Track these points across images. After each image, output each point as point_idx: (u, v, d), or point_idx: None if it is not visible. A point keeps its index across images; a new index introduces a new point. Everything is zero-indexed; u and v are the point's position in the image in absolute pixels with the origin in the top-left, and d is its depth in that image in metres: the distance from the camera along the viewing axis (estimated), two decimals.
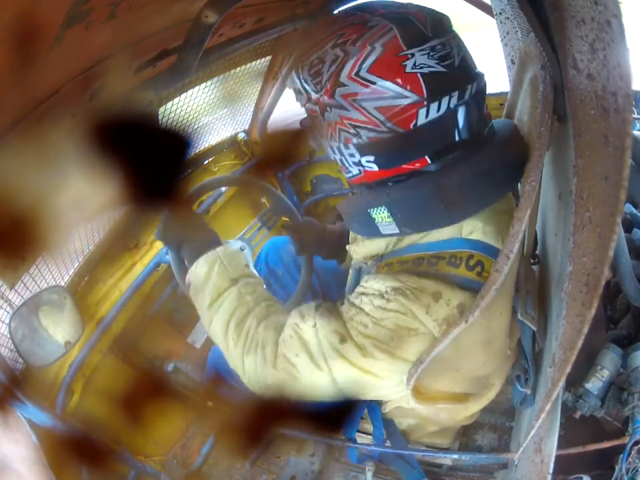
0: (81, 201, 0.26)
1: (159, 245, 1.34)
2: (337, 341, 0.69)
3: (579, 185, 0.60)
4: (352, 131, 0.68)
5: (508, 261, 0.62)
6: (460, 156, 0.67)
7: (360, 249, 0.82)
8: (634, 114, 1.20)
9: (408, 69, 0.63)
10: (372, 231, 0.75)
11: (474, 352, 0.71)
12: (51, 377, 1.06)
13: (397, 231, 0.71)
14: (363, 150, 0.69)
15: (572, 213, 0.61)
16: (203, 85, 1.24)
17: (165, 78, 0.76)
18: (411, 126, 0.65)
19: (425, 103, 0.63)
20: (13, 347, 0.86)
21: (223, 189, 1.51)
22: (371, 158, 0.69)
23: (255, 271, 0.91)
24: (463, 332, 0.64)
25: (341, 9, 1.12)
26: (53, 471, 0.67)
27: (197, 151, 1.51)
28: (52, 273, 1.06)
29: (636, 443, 0.71)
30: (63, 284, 1.11)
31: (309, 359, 0.70)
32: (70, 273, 1.17)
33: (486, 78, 0.70)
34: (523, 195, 0.63)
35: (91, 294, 1.20)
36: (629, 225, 0.97)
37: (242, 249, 1.11)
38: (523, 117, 0.82)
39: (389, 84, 0.64)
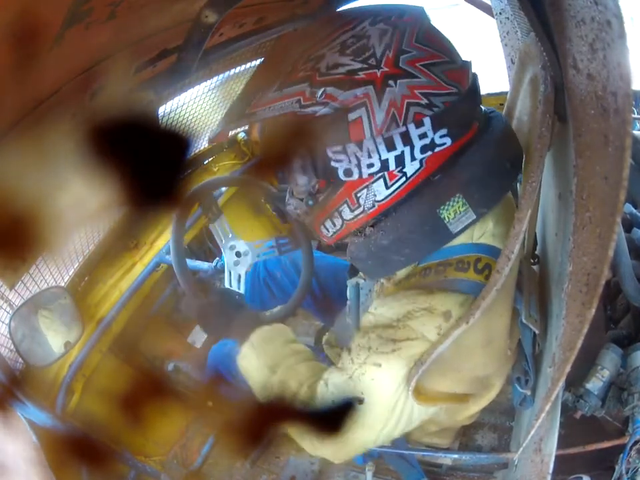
0: (81, 201, 0.26)
1: (159, 244, 1.34)
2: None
3: (579, 185, 0.60)
4: (424, 101, 0.63)
5: (509, 262, 0.62)
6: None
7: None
8: (634, 114, 1.20)
9: (444, 42, 0.69)
10: (440, 239, 0.68)
11: (474, 353, 0.71)
12: (50, 377, 1.06)
13: (474, 216, 0.66)
14: (438, 122, 0.63)
15: (572, 213, 0.61)
16: (203, 85, 1.24)
17: (164, 78, 0.76)
18: (467, 85, 0.67)
19: (468, 66, 0.69)
20: (13, 347, 0.86)
21: (223, 188, 1.51)
22: (445, 130, 0.64)
23: (295, 344, 0.85)
24: (464, 333, 0.63)
25: (340, 9, 1.12)
26: (53, 471, 0.67)
27: (197, 151, 1.51)
28: (52, 273, 1.07)
29: (636, 443, 0.71)
30: (62, 284, 1.11)
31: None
32: (70, 273, 1.17)
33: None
34: (523, 195, 0.63)
35: (90, 294, 1.20)
36: (629, 225, 0.97)
37: (245, 254, 1.12)
38: (523, 117, 0.82)
39: (443, 49, 0.67)
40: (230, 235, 1.14)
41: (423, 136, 0.63)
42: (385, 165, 0.64)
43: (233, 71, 1.29)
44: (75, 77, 0.57)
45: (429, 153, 0.64)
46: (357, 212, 0.69)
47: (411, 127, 0.62)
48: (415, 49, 0.65)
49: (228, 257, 1.13)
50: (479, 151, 0.66)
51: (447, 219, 0.66)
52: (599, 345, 0.81)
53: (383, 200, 0.67)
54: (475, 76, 0.71)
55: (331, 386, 0.72)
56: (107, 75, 0.59)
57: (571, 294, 0.58)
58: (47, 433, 0.75)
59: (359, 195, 0.67)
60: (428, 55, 0.65)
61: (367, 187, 0.66)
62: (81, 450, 0.43)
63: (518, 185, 0.90)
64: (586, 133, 0.57)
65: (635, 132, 1.08)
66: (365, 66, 0.62)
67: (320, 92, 0.63)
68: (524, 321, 0.71)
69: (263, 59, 0.85)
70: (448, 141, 0.64)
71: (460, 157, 0.66)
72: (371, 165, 0.64)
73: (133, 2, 0.52)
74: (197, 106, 1.35)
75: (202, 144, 1.53)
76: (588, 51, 0.51)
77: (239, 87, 1.39)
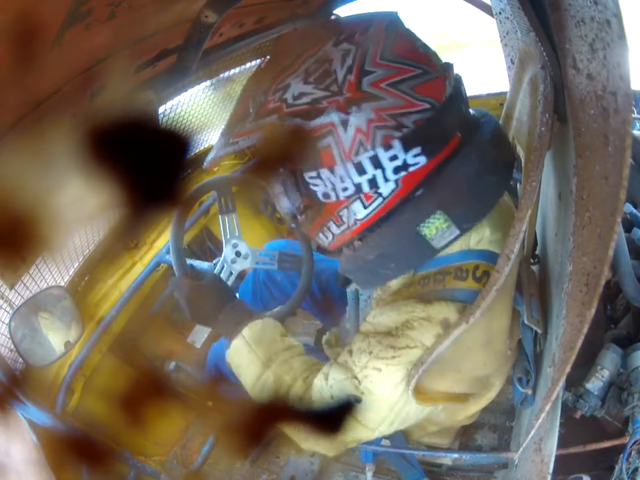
0: (81, 201, 0.26)
1: (159, 244, 1.34)
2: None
3: (579, 185, 0.60)
4: (392, 122, 0.61)
5: (509, 262, 0.62)
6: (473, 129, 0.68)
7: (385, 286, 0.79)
8: (634, 114, 1.20)
9: (421, 50, 0.65)
10: (423, 254, 0.68)
11: (474, 352, 0.71)
12: (51, 376, 1.06)
13: (458, 232, 0.66)
14: (408, 142, 0.61)
15: (572, 213, 0.61)
16: (203, 85, 1.24)
17: (164, 78, 0.76)
18: (444, 98, 0.64)
19: (446, 75, 0.65)
20: (13, 346, 0.86)
21: None
22: (418, 149, 0.62)
23: (286, 338, 0.85)
24: (464, 332, 0.64)
25: (339, 9, 1.12)
26: (53, 471, 0.67)
27: (197, 150, 1.51)
28: (52, 273, 1.07)
29: (636, 443, 0.71)
30: (62, 284, 1.11)
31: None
32: (70, 273, 1.17)
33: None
34: (523, 195, 0.63)
35: (90, 294, 1.20)
36: (628, 225, 0.97)
37: (233, 261, 1.11)
38: (523, 117, 0.82)
39: (414, 62, 0.63)
40: (236, 233, 1.14)
41: (393, 158, 0.62)
42: (358, 188, 0.64)
43: (233, 70, 1.29)
44: (75, 76, 0.57)
45: (403, 173, 0.63)
46: (342, 228, 0.69)
47: (379, 150, 0.61)
48: (379, 67, 0.61)
49: (227, 252, 1.13)
50: (460, 165, 0.64)
51: (428, 236, 0.65)
52: (599, 345, 0.81)
53: (363, 218, 0.67)
54: (457, 80, 0.67)
55: (331, 380, 0.72)
56: (107, 74, 0.60)
57: (571, 294, 0.58)
58: (46, 433, 0.75)
59: (340, 213, 0.68)
60: (394, 71, 0.61)
61: (346, 207, 0.67)
62: (81, 450, 0.43)
63: (518, 185, 0.90)
64: (586, 133, 0.57)
65: (635, 132, 1.08)
66: (328, 93, 0.61)
67: (288, 124, 0.63)
68: (526, 322, 0.71)
69: (254, 71, 0.80)
70: (422, 159, 0.63)
71: (441, 171, 0.64)
72: (345, 189, 0.64)
73: (132, 2, 0.53)
74: (197, 106, 1.36)
75: (202, 144, 1.53)
76: (588, 51, 0.51)
77: (239, 87, 1.39)
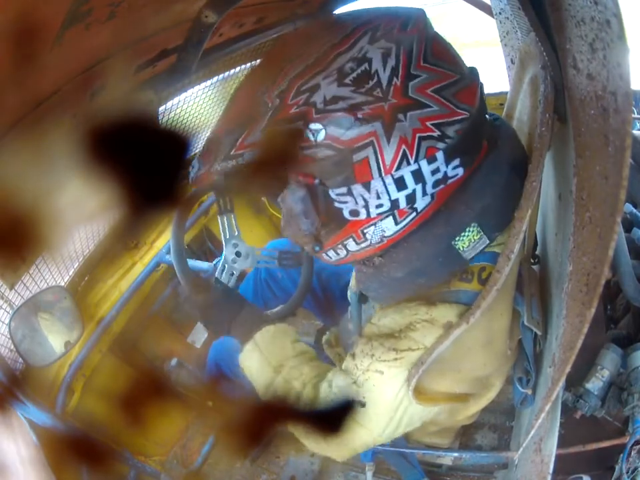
0: (81, 201, 0.26)
1: (159, 244, 1.34)
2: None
3: (579, 185, 0.60)
4: (437, 133, 0.56)
5: (509, 262, 0.62)
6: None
7: None
8: (634, 114, 1.20)
9: (452, 53, 0.61)
10: (454, 266, 0.65)
11: (474, 352, 0.71)
12: (51, 376, 1.06)
13: (487, 241, 0.64)
14: (450, 154, 0.58)
15: (572, 213, 0.61)
16: (203, 85, 1.24)
17: (164, 78, 0.76)
18: (476, 104, 0.60)
19: (477, 81, 0.62)
20: (12, 347, 0.86)
21: None
22: (457, 161, 0.59)
23: (298, 344, 0.84)
24: (464, 333, 0.63)
25: (340, 9, 1.12)
26: (53, 471, 0.67)
27: (197, 150, 1.50)
28: (52, 273, 1.07)
29: (636, 443, 0.71)
30: (62, 284, 1.11)
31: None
32: (70, 273, 1.17)
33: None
34: (524, 194, 0.63)
35: (90, 294, 1.20)
36: (628, 225, 0.97)
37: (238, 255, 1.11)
38: (523, 117, 0.82)
39: (452, 66, 0.59)
40: (236, 233, 1.15)
41: (435, 171, 0.58)
42: (395, 204, 0.59)
43: (233, 70, 1.29)
44: (75, 76, 0.57)
45: (442, 186, 0.59)
46: (363, 245, 0.64)
47: (423, 163, 0.57)
48: (424, 71, 0.56)
49: (228, 252, 1.14)
50: (490, 173, 0.62)
51: (461, 249, 0.63)
52: (599, 345, 0.81)
53: (391, 235, 0.63)
54: (481, 86, 0.64)
55: (334, 387, 0.73)
56: (107, 74, 0.59)
57: (571, 294, 0.58)
58: (47, 433, 0.75)
59: (365, 231, 0.62)
60: (438, 76, 0.56)
61: (374, 224, 0.61)
62: (81, 450, 0.43)
63: None
64: (586, 133, 0.57)
65: (635, 132, 1.08)
66: (370, 99, 0.54)
67: (319, 132, 0.55)
68: (526, 323, 0.71)
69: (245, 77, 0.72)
70: (460, 171, 0.60)
71: (472, 181, 0.61)
72: (379, 206, 0.59)
73: (132, 2, 0.53)
74: (197, 106, 1.36)
75: (202, 144, 1.53)
76: (588, 51, 0.51)
77: None
